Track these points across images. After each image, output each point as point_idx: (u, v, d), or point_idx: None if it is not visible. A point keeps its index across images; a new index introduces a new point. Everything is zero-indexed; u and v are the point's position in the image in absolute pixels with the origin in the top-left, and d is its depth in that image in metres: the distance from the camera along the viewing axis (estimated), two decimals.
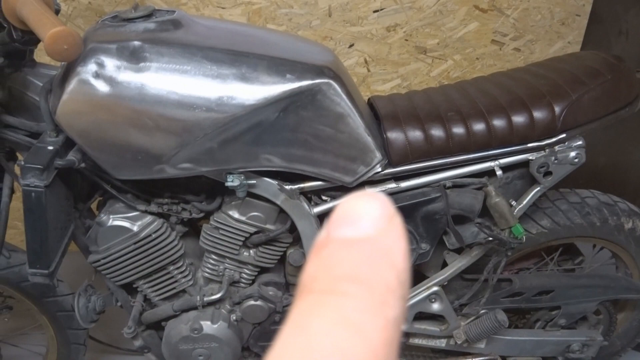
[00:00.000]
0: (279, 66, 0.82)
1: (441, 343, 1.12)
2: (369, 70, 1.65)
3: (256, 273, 1.04)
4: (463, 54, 1.66)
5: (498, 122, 0.90)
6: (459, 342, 1.06)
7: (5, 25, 0.69)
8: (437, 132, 0.91)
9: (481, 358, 1.11)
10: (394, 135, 0.92)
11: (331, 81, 0.84)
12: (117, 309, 1.06)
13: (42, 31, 0.58)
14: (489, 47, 1.66)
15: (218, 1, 1.47)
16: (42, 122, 0.87)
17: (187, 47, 0.81)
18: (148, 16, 0.84)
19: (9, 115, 0.87)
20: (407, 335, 1.12)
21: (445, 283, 1.04)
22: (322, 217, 0.97)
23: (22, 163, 0.78)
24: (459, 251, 1.03)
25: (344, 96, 0.85)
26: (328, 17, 1.54)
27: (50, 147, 0.81)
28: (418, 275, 1.08)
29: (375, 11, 1.55)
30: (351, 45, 1.60)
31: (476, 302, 1.05)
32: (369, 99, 1.04)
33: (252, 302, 1.02)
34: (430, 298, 1.04)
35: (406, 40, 1.61)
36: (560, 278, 1.10)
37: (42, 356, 1.30)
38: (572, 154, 0.92)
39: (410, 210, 0.94)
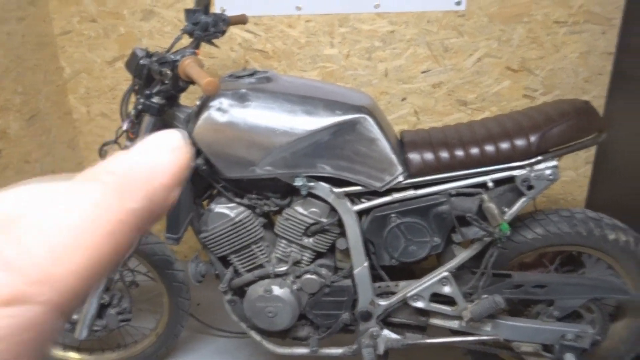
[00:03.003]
0: (332, 105, 1.26)
1: (454, 324, 1.42)
2: (418, 119, 2.04)
3: (314, 257, 1.43)
4: (499, 106, 2.00)
5: (488, 147, 1.25)
6: (465, 320, 1.36)
7: (174, 80, 1.19)
8: (443, 153, 1.28)
9: (487, 337, 1.39)
10: (413, 155, 1.30)
11: (367, 116, 1.26)
12: (210, 306, 1.49)
13: (200, 80, 1.05)
14: (521, 100, 1.99)
15: (301, 66, 1.97)
16: None
17: (274, 93, 1.27)
18: (251, 75, 1.32)
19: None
20: (427, 314, 1.43)
21: (454, 270, 1.35)
22: (361, 213, 1.36)
23: None
24: (464, 246, 1.35)
25: (375, 127, 1.26)
26: (385, 77, 1.98)
27: None
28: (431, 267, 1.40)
29: (423, 72, 1.96)
30: (404, 99, 2.01)
31: (480, 288, 1.35)
32: (400, 132, 1.43)
33: (308, 276, 1.40)
34: (442, 281, 1.36)
35: (449, 95, 1.99)
36: (553, 276, 1.37)
37: (151, 329, 1.74)
38: (548, 171, 1.24)
39: (424, 211, 1.30)
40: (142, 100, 1.27)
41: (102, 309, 1.56)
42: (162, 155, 0.19)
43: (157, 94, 1.27)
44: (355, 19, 1.89)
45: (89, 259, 0.16)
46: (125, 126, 1.34)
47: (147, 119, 1.31)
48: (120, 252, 0.17)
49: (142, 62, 1.24)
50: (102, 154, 1.42)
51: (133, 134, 1.33)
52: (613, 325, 1.49)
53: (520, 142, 1.24)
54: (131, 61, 1.28)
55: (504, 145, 1.25)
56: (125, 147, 1.36)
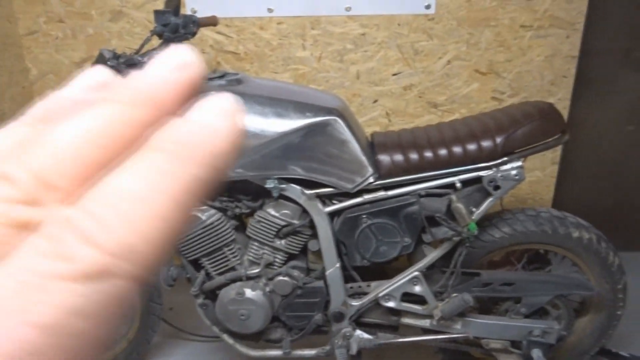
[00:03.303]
0: (302, 107, 1.26)
1: (425, 323, 1.44)
2: (390, 121, 2.07)
3: (286, 258, 1.43)
4: (468, 108, 2.04)
5: (456, 148, 1.28)
6: (436, 319, 1.38)
7: None
8: (413, 155, 1.30)
9: (457, 335, 1.41)
10: (382, 157, 1.31)
11: (337, 118, 1.27)
12: (183, 310, 1.47)
13: None
14: (489, 102, 2.03)
15: (273, 68, 1.97)
16: None
17: (244, 95, 1.27)
18: (221, 77, 1.32)
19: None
20: (399, 314, 1.45)
21: (424, 270, 1.37)
22: (333, 215, 1.36)
23: None
24: (434, 246, 1.38)
25: (346, 129, 1.27)
26: (357, 79, 1.99)
27: None
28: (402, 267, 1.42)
29: (394, 74, 1.99)
30: (375, 101, 2.03)
31: (450, 287, 1.37)
32: (371, 134, 1.45)
33: (281, 278, 1.40)
34: (413, 281, 1.38)
35: (420, 97, 2.02)
36: (520, 274, 1.40)
37: (122, 335, 1.72)
38: (513, 172, 1.27)
39: (395, 211, 1.32)
40: None
41: None
42: (220, 120, 0.19)
43: None
44: (327, 22, 1.90)
45: (163, 228, 0.16)
46: None
47: None
48: (187, 220, 0.17)
49: (109, 63, 1.23)
50: None
51: None
52: (578, 321, 1.54)
53: (486, 144, 1.26)
54: (98, 63, 1.26)
55: (471, 147, 1.27)
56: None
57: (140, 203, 0.16)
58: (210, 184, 0.18)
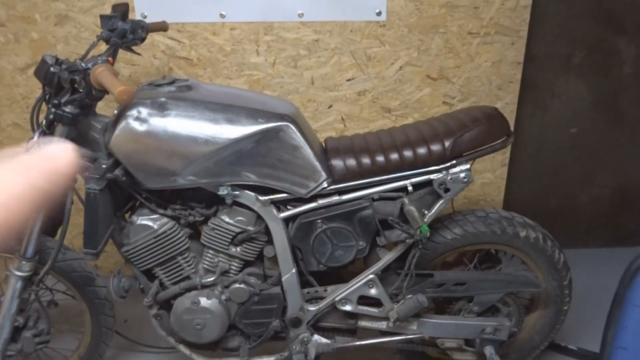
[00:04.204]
0: (254, 114, 1.26)
1: (382, 325, 1.45)
2: (345, 126, 2.09)
3: (242, 265, 1.42)
4: (421, 112, 2.08)
5: (407, 153, 1.30)
6: (392, 321, 1.40)
7: (87, 89, 1.14)
8: (365, 159, 1.32)
9: (413, 336, 1.44)
10: (335, 162, 1.32)
11: (289, 124, 1.27)
12: (137, 321, 1.44)
13: (113, 89, 1.01)
14: (441, 107, 2.08)
15: (227, 74, 1.96)
16: (99, 152, 1.30)
17: (194, 101, 1.25)
18: (171, 83, 1.30)
19: (78, 147, 1.31)
20: (356, 317, 1.46)
21: (379, 273, 1.39)
22: (288, 220, 1.36)
23: (87, 174, 1.21)
24: (389, 248, 1.40)
25: (298, 134, 1.27)
26: (311, 84, 2.00)
27: (104, 166, 1.24)
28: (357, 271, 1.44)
29: (348, 80, 2.01)
30: (330, 106, 2.04)
31: (404, 289, 1.39)
32: (325, 139, 1.45)
33: (237, 285, 1.39)
34: (368, 284, 1.39)
35: (374, 102, 2.05)
36: (472, 274, 1.44)
37: (72, 350, 1.65)
38: (462, 174, 1.31)
39: (349, 215, 1.33)
40: (53, 110, 1.21)
41: (16, 332, 1.46)
42: (57, 150, 0.31)
43: (71, 102, 1.21)
44: (280, 28, 1.90)
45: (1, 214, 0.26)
46: (36, 137, 1.27)
47: (60, 129, 1.25)
48: (25, 216, 0.27)
49: (52, 69, 1.18)
50: None
51: None
52: (528, 317, 1.59)
53: (435, 147, 1.30)
54: (40, 69, 1.22)
55: (421, 151, 1.30)
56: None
57: None
58: (48, 193, 0.27)
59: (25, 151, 0.29)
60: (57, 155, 0.29)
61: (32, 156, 0.28)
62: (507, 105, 2.10)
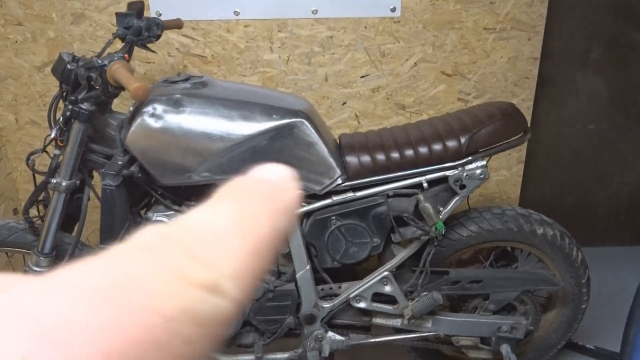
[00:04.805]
0: (268, 110, 1.25)
1: (397, 323, 1.44)
2: (359, 123, 2.08)
3: None
4: (435, 109, 2.07)
5: (422, 149, 1.29)
6: (406, 318, 1.39)
7: (104, 86, 1.15)
8: (380, 156, 1.31)
9: (428, 334, 1.43)
10: (350, 158, 1.32)
11: (304, 120, 1.26)
12: None
13: (129, 85, 1.02)
14: (456, 103, 2.06)
15: (241, 71, 1.96)
16: (115, 149, 1.31)
17: (209, 98, 1.25)
18: (186, 80, 1.30)
19: (94, 144, 1.33)
20: (370, 314, 1.45)
21: (394, 270, 1.38)
22: (302, 217, 1.36)
23: (103, 171, 1.22)
24: (404, 245, 1.39)
25: (313, 131, 1.27)
26: (325, 81, 2.00)
27: (120, 162, 1.25)
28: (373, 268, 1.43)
29: (362, 77, 2.00)
30: (344, 103, 2.04)
31: (419, 286, 1.39)
32: (339, 135, 1.45)
33: None
34: (383, 281, 1.38)
35: (388, 99, 2.04)
36: (488, 271, 1.43)
37: None
38: (478, 171, 1.29)
39: (363, 212, 1.32)
40: (70, 107, 1.22)
41: None
42: (284, 181, 0.23)
43: (87, 99, 1.22)
44: (294, 24, 1.90)
45: (257, 263, 0.19)
46: (53, 134, 1.28)
47: (76, 126, 1.26)
48: (271, 260, 0.20)
49: (69, 67, 1.20)
50: (30, 164, 1.35)
51: (62, 142, 1.28)
52: (545, 316, 1.57)
53: (451, 144, 1.28)
54: (57, 66, 1.23)
55: (437, 147, 1.29)
56: (55, 156, 1.30)
57: (242, 242, 0.19)
58: (282, 238, 0.21)
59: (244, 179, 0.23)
60: (283, 188, 0.23)
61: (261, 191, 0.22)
62: (524, 102, 2.07)
